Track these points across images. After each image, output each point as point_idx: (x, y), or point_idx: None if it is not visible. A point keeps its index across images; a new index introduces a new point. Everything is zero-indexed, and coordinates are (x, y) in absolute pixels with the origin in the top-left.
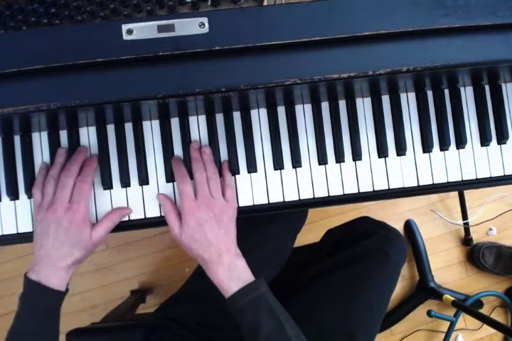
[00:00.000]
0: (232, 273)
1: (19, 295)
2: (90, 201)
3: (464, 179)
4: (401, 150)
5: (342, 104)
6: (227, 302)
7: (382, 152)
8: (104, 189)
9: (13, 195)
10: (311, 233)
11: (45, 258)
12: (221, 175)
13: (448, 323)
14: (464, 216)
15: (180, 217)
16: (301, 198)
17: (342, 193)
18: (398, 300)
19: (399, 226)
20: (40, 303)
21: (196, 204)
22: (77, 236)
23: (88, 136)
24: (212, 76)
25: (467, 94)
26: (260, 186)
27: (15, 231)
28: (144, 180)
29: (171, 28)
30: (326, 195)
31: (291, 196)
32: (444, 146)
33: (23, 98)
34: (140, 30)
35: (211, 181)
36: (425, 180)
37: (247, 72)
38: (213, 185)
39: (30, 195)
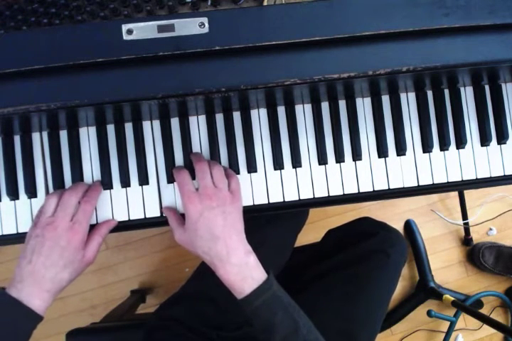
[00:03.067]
0: (244, 272)
1: None
2: None
3: (463, 179)
4: (401, 150)
5: (342, 104)
6: (239, 303)
7: (382, 152)
8: (104, 189)
9: (13, 195)
10: (311, 233)
11: (32, 276)
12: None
13: (448, 323)
14: (464, 216)
15: (181, 220)
16: (301, 198)
17: (342, 193)
18: (398, 300)
19: (399, 226)
20: (13, 324)
21: (197, 195)
22: (71, 257)
23: (88, 136)
24: (212, 76)
25: (467, 94)
26: (260, 186)
27: (15, 231)
28: (143, 180)
29: (171, 28)
30: (326, 195)
31: (291, 196)
32: (444, 146)
33: (23, 98)
34: (140, 30)
35: (214, 170)
36: (425, 180)
37: (247, 72)
38: (216, 174)
39: (30, 195)
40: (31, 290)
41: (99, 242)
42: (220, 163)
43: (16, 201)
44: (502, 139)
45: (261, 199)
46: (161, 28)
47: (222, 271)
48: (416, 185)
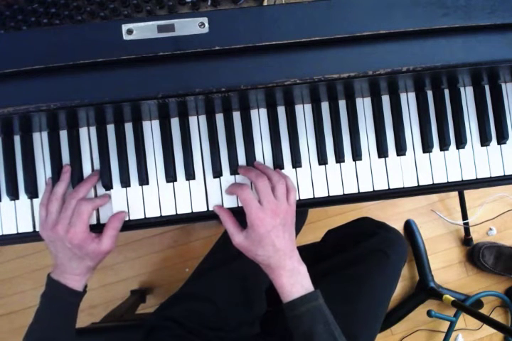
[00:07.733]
0: (295, 278)
1: (41, 294)
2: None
3: (463, 179)
4: (401, 150)
5: (342, 104)
6: (283, 307)
7: (382, 152)
8: (105, 189)
9: (13, 195)
10: (311, 233)
11: (61, 266)
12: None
13: (448, 323)
14: (464, 216)
15: (237, 224)
16: (301, 198)
17: (342, 193)
18: (398, 300)
19: (399, 226)
20: (59, 301)
21: (263, 211)
22: (83, 251)
23: (88, 135)
24: (212, 76)
25: (467, 94)
26: None
27: (15, 231)
28: (143, 180)
29: (171, 28)
30: (326, 195)
31: None
32: (444, 146)
33: (23, 98)
34: (140, 30)
35: (278, 184)
36: (425, 180)
37: (247, 72)
38: (280, 188)
39: (30, 195)
40: (64, 276)
41: (112, 235)
42: (220, 163)
43: (16, 201)
44: (502, 139)
45: None
46: (161, 28)
47: (276, 274)
48: (416, 185)
